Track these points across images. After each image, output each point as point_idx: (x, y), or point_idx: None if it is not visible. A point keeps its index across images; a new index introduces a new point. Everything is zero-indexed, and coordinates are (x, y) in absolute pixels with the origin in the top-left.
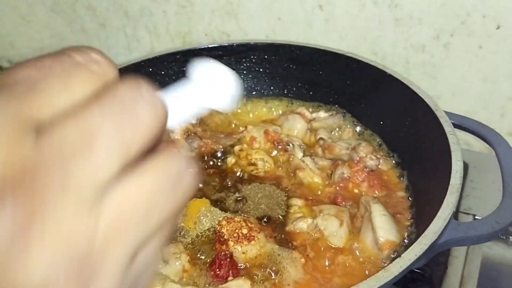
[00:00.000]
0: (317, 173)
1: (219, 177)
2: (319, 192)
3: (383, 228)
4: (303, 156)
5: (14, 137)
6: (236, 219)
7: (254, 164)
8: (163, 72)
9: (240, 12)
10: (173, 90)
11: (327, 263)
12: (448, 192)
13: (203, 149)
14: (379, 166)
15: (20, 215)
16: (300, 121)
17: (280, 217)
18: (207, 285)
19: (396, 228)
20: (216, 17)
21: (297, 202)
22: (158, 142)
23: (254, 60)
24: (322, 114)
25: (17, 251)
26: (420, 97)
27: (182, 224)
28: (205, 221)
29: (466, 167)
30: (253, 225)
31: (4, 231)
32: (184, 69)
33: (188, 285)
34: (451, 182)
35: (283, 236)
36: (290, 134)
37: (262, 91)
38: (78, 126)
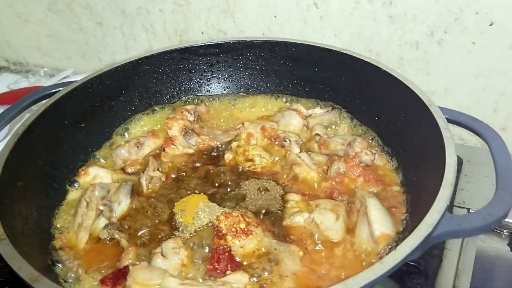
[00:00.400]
0: (314, 169)
1: (217, 172)
2: (316, 187)
3: (379, 221)
4: (300, 151)
5: None
6: (234, 214)
7: (251, 160)
8: (160, 70)
9: (236, 10)
10: None
11: (324, 256)
12: (442, 186)
13: (200, 145)
14: (375, 161)
15: None
16: (296, 118)
17: (278, 212)
18: (206, 279)
19: (391, 221)
20: (212, 15)
21: (293, 197)
22: None
23: (250, 58)
24: (317, 110)
25: None
26: (415, 93)
27: (181, 219)
28: (204, 216)
29: (460, 161)
30: (250, 220)
31: None
32: (181, 66)
33: (187, 279)
34: (445, 176)
35: (280, 230)
36: (286, 130)
37: (259, 88)
38: None
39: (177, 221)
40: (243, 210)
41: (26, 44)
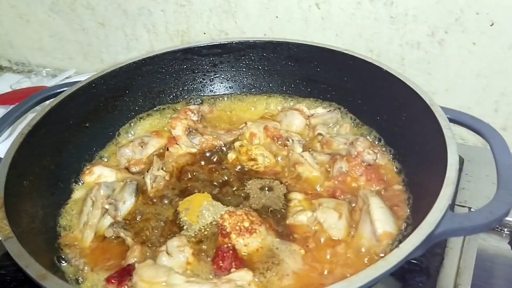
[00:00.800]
0: (316, 168)
1: (220, 172)
2: (318, 186)
3: (381, 220)
4: (302, 151)
5: None
6: (237, 212)
7: (254, 159)
8: (163, 70)
9: (238, 10)
10: None
11: (326, 254)
12: (444, 185)
13: (204, 145)
14: (377, 161)
15: None
16: (299, 117)
17: (281, 210)
18: (210, 277)
19: (393, 220)
20: (214, 15)
21: (296, 196)
22: None
23: (253, 58)
24: (320, 110)
25: None
26: (416, 93)
27: (185, 218)
28: (208, 215)
29: (461, 161)
30: (254, 219)
31: None
32: (185, 66)
33: (192, 276)
34: (447, 174)
35: (283, 229)
36: (289, 130)
37: (261, 88)
38: None
39: (181, 219)
40: (247, 209)
41: (28, 44)
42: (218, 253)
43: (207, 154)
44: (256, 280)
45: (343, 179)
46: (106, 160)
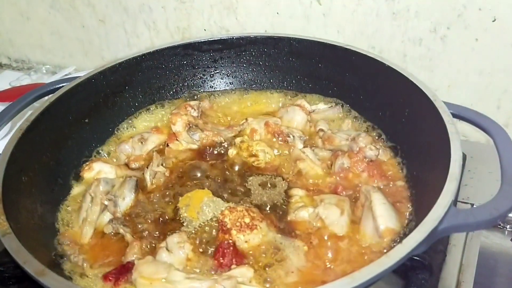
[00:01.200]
0: (318, 164)
1: (221, 168)
2: (320, 182)
3: (383, 216)
4: (304, 147)
5: None
6: (238, 208)
7: (255, 155)
8: (163, 66)
9: (239, 7)
10: None
11: (329, 251)
12: (447, 180)
13: (204, 141)
14: (379, 156)
15: None
16: (300, 113)
17: (282, 206)
18: (211, 273)
19: (396, 216)
20: (215, 12)
21: (298, 192)
22: None
23: (253, 53)
24: (321, 106)
25: None
26: (419, 88)
27: (185, 214)
28: (208, 211)
29: (464, 157)
30: (255, 215)
31: None
32: (185, 62)
33: (192, 273)
34: (450, 170)
35: (285, 225)
36: (290, 126)
37: (262, 84)
38: None
39: (181, 216)
40: (248, 205)
41: (28, 41)
42: (219, 249)
43: (208, 150)
44: (260, 277)
45: (345, 175)
46: (105, 156)
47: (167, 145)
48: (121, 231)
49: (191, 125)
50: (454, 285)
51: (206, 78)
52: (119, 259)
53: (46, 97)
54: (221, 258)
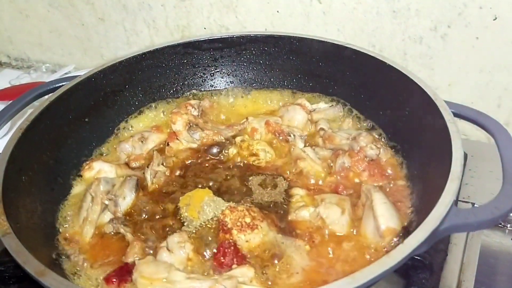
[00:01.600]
0: (318, 163)
1: (221, 167)
2: (321, 182)
3: (384, 215)
4: (304, 146)
5: None
6: (239, 208)
7: (255, 155)
8: (164, 65)
9: (239, 5)
10: None
11: (330, 250)
12: (449, 179)
13: (204, 140)
14: (379, 156)
15: None
16: (301, 112)
17: (283, 206)
18: (211, 273)
19: (396, 215)
20: (214, 10)
21: (298, 192)
22: None
23: (254, 52)
24: (322, 105)
25: None
26: (420, 87)
27: (186, 213)
28: (209, 210)
29: (464, 156)
30: (256, 214)
31: None
32: (185, 61)
33: (193, 273)
34: (452, 169)
35: (285, 224)
36: (290, 125)
37: (262, 83)
38: None
39: (182, 215)
40: (248, 205)
41: (28, 39)
42: (220, 249)
43: (208, 149)
44: (261, 276)
45: (345, 175)
46: (106, 155)
47: (168, 144)
48: (122, 230)
49: (191, 124)
50: (455, 284)
51: (207, 77)
52: (119, 259)
53: (46, 96)
54: (221, 258)
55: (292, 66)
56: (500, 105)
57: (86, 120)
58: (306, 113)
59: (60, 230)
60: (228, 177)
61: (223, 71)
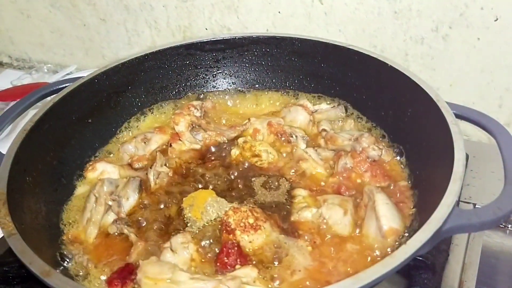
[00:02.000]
0: (320, 164)
1: (224, 168)
2: (323, 183)
3: (387, 216)
4: (306, 147)
5: None
6: (242, 209)
7: (258, 156)
8: (166, 66)
9: (240, 6)
10: None
11: (332, 251)
12: (451, 180)
13: (207, 141)
14: (382, 156)
15: None
16: (303, 113)
17: (286, 207)
18: (215, 273)
19: (399, 216)
20: (216, 11)
21: (301, 193)
22: None
23: (256, 53)
24: (324, 106)
25: None
26: (422, 88)
27: (189, 214)
28: (212, 211)
29: (466, 157)
30: (259, 215)
31: None
32: (187, 62)
33: (197, 273)
34: (454, 170)
35: (288, 225)
36: (292, 126)
37: (264, 84)
38: None
39: (185, 216)
40: (251, 205)
41: (29, 40)
42: (223, 250)
43: (211, 150)
44: (264, 277)
45: (347, 175)
46: (109, 156)
47: (170, 145)
48: (125, 231)
49: (194, 125)
50: (457, 284)
51: (209, 78)
52: (123, 259)
53: (49, 97)
54: (225, 258)
55: (294, 67)
56: (502, 105)
57: (89, 121)
58: (308, 114)
59: (64, 230)
60: (231, 178)
61: (225, 72)
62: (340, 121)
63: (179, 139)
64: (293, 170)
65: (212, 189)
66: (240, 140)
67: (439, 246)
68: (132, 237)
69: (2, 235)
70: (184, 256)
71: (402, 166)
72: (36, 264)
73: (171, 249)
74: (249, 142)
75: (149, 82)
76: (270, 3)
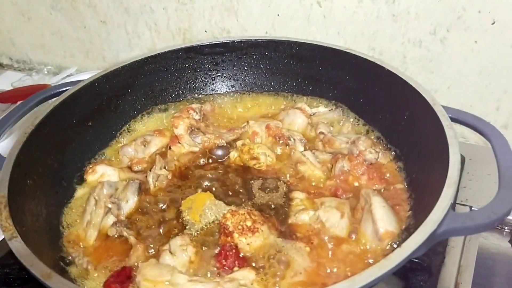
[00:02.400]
0: (318, 167)
1: (222, 171)
2: (320, 185)
3: (383, 219)
4: (304, 150)
5: None
6: (240, 211)
7: (256, 158)
8: (165, 69)
9: (240, 8)
10: None
11: (329, 253)
12: (446, 184)
13: (206, 144)
14: (378, 160)
15: None
16: (301, 116)
17: (283, 209)
18: (213, 276)
19: (395, 219)
20: (216, 13)
21: (299, 195)
22: None
23: (254, 57)
24: (322, 109)
25: None
26: (418, 92)
27: (188, 217)
28: (210, 214)
29: (462, 159)
30: (256, 218)
31: None
32: (187, 65)
33: (195, 275)
34: (449, 174)
35: (286, 228)
36: (291, 129)
37: (263, 87)
38: None
39: (184, 218)
40: (249, 208)
41: (30, 42)
42: (221, 252)
43: (210, 153)
44: (262, 279)
45: (345, 178)
46: (108, 159)
47: (170, 148)
48: (125, 233)
49: (193, 128)
50: (453, 286)
51: (208, 81)
52: (123, 261)
53: (50, 101)
54: (223, 261)
55: (292, 70)
56: (499, 108)
57: (90, 124)
58: (306, 117)
59: (64, 233)
60: (229, 181)
61: (224, 75)
62: (338, 124)
63: (178, 142)
64: (290, 173)
65: (210, 191)
66: (239, 143)
67: (435, 248)
68: (132, 239)
69: (3, 237)
70: (183, 258)
71: (398, 169)
72: (37, 267)
73: (170, 252)
74: (248, 145)
75: (148, 85)
76: (269, 6)
